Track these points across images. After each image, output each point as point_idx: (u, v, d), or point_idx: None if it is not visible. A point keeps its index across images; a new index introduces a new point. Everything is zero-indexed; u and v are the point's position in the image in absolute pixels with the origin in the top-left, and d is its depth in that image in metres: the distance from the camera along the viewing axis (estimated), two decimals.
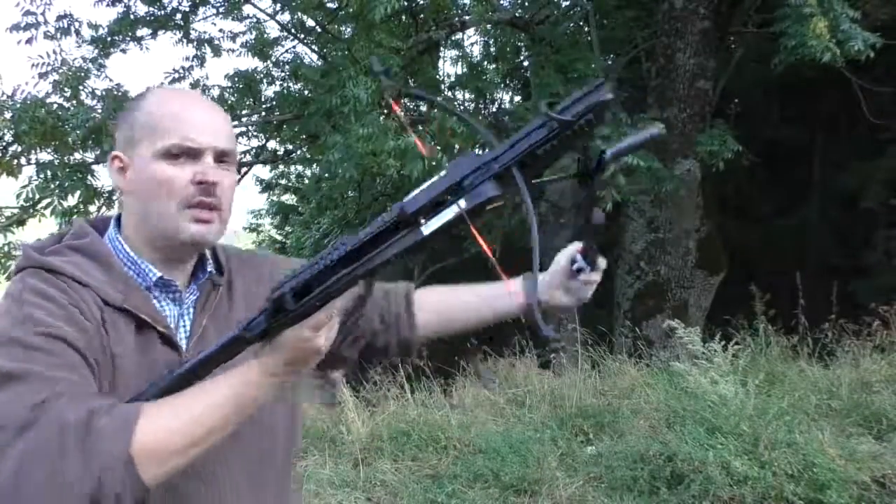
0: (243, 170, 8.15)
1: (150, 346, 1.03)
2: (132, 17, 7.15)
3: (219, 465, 1.06)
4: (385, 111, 6.00)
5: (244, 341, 0.94)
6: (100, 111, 6.00)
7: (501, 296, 1.30)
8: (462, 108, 8.10)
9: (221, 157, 1.06)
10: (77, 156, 6.36)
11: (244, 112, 7.66)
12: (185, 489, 1.02)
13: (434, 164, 5.07)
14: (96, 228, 1.10)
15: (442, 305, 1.35)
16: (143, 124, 1.06)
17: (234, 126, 7.82)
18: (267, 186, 11.69)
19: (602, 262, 1.21)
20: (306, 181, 11.22)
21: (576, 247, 1.22)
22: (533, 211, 0.81)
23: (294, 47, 8.20)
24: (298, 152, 8.43)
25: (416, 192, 0.85)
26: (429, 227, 0.84)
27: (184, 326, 1.09)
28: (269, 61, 7.85)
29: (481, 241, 0.84)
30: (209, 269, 1.13)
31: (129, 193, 1.08)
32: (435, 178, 0.85)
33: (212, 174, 1.03)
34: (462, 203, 0.83)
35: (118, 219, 1.12)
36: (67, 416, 0.85)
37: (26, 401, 0.85)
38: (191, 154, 1.03)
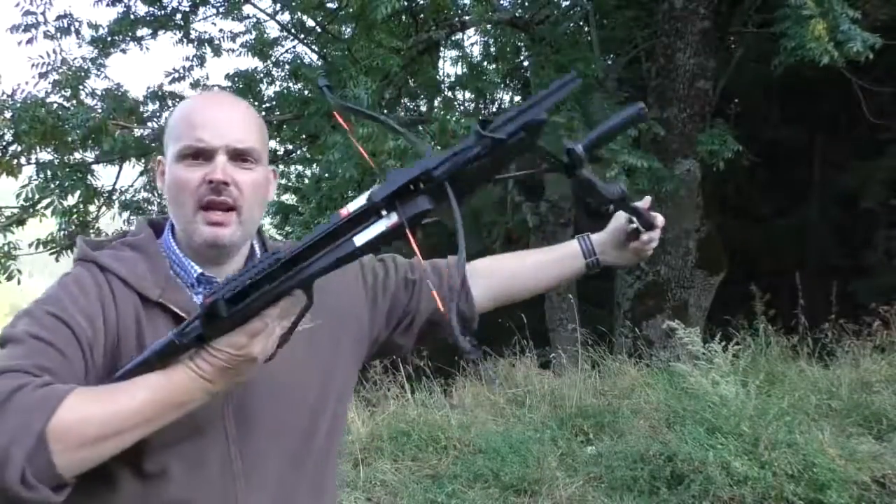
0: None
1: None
2: (132, 17, 7.15)
3: (259, 459, 1.07)
4: (385, 111, 5.99)
5: (180, 347, 0.93)
6: (100, 111, 6.00)
7: (557, 259, 1.32)
8: (462, 108, 8.10)
9: (239, 155, 1.06)
10: (77, 155, 6.37)
11: None
12: (214, 477, 1.04)
13: None
14: (157, 227, 1.15)
15: (497, 272, 1.33)
16: (168, 130, 1.11)
17: None
18: None
19: (659, 220, 1.24)
20: (306, 181, 11.22)
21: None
22: (460, 222, 0.84)
23: (294, 47, 8.21)
24: (298, 152, 8.43)
25: (354, 204, 0.87)
26: (361, 238, 0.86)
27: None
28: (269, 61, 7.85)
29: (416, 249, 0.87)
30: None
31: (165, 196, 1.11)
32: (370, 191, 0.87)
33: (220, 172, 1.03)
34: (394, 217, 0.85)
35: None
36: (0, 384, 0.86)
37: None
38: (204, 155, 1.05)
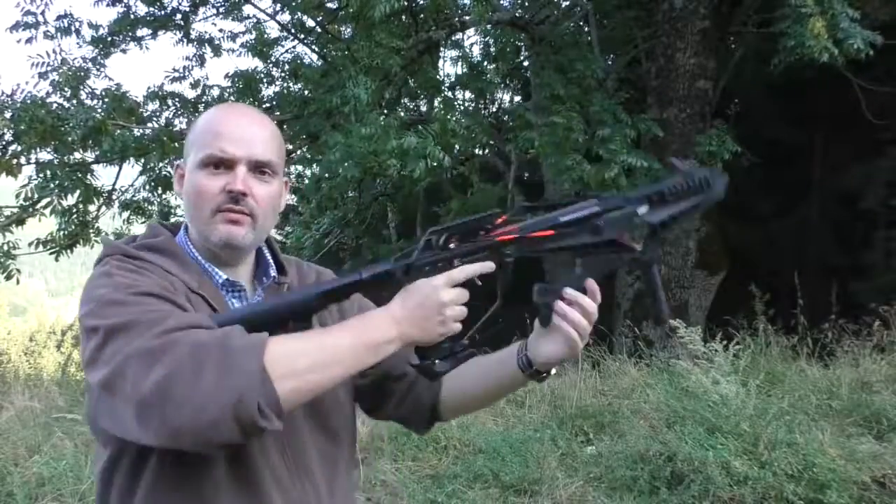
0: None
1: None
2: (132, 17, 7.16)
3: (298, 471, 1.10)
4: (385, 111, 5.98)
5: (393, 276, 1.05)
6: (99, 111, 6.00)
7: (497, 361, 1.22)
8: (462, 108, 8.09)
9: (258, 167, 1.10)
10: (77, 155, 6.37)
11: None
12: (261, 484, 1.06)
13: (435, 164, 5.07)
14: (171, 231, 1.18)
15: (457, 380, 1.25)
16: (192, 137, 1.14)
17: None
18: None
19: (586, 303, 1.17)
20: (306, 181, 11.23)
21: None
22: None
23: (294, 47, 8.22)
24: (298, 152, 8.43)
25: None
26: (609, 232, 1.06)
27: None
28: (269, 61, 7.86)
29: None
30: (272, 274, 1.19)
31: (182, 199, 1.15)
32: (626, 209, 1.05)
33: (241, 184, 1.08)
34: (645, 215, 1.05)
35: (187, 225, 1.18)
36: (201, 337, 0.92)
37: (147, 335, 0.91)
38: (225, 164, 1.09)
